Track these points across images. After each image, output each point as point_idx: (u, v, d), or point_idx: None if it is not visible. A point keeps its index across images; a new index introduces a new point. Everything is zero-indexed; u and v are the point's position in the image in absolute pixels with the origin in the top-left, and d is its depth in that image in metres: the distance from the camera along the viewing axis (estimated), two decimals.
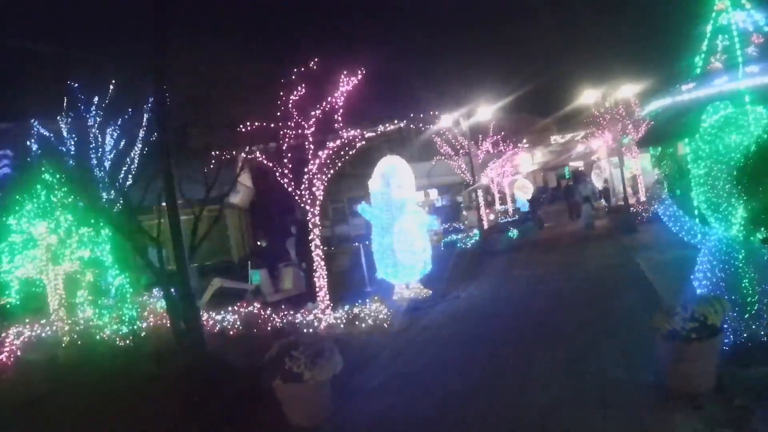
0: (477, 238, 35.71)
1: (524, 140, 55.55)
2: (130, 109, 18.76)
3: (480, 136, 42.98)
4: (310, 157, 17.35)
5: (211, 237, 37.83)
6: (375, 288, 21.34)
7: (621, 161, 33.87)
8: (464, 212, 47.86)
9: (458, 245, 35.31)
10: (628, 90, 36.59)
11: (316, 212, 17.80)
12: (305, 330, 16.74)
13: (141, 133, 19.15)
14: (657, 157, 43.77)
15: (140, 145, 19.25)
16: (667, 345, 9.27)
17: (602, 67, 49.07)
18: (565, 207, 48.31)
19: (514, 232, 38.45)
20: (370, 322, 16.59)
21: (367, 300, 17.67)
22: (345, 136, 17.24)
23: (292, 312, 18.04)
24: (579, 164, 75.90)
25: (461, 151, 40.17)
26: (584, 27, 64.47)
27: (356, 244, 29.57)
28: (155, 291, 21.85)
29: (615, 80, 36.03)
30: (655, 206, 11.87)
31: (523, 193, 59.53)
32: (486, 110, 38.69)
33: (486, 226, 38.96)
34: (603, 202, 46.65)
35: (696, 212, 11.76)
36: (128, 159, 19.64)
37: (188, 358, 12.85)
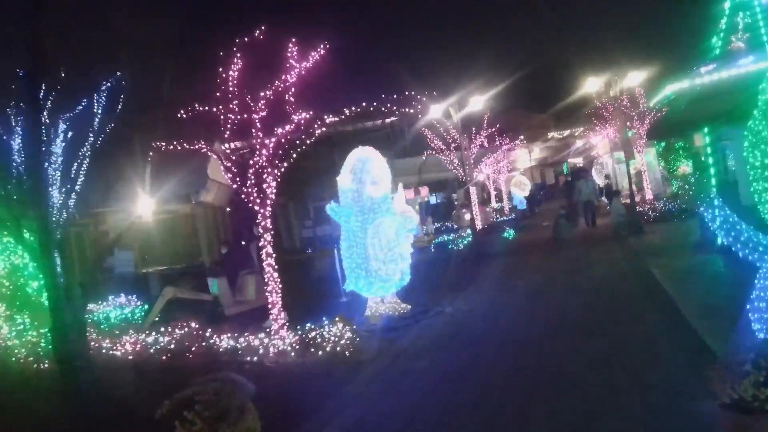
0: (470, 239, 32.94)
1: (521, 136, 52.92)
2: None
3: (473, 129, 39.82)
4: (257, 146, 14.27)
5: (178, 239, 35.59)
6: (351, 298, 18.73)
7: (628, 155, 30.79)
8: (455, 211, 44.78)
9: (450, 247, 32.84)
10: (634, 78, 33.44)
11: (268, 213, 14.71)
12: (249, 357, 13.82)
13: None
14: (663, 152, 41.28)
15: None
16: (731, 418, 6.15)
17: (605, 53, 45.98)
18: (563, 204, 44.74)
19: (510, 233, 35.79)
20: (329, 348, 13.40)
21: (334, 319, 14.64)
22: (297, 120, 14.09)
23: (242, 333, 15.15)
24: (578, 160, 73.99)
25: (453, 145, 37.11)
26: (585, 8, 61.07)
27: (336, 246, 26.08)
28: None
29: (619, 67, 32.93)
30: (702, 210, 8.46)
31: (520, 190, 57.52)
32: (479, 100, 35.64)
33: (480, 226, 35.90)
34: (604, 199, 43.60)
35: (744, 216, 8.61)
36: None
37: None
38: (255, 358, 13.69)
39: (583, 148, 70.31)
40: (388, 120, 50.13)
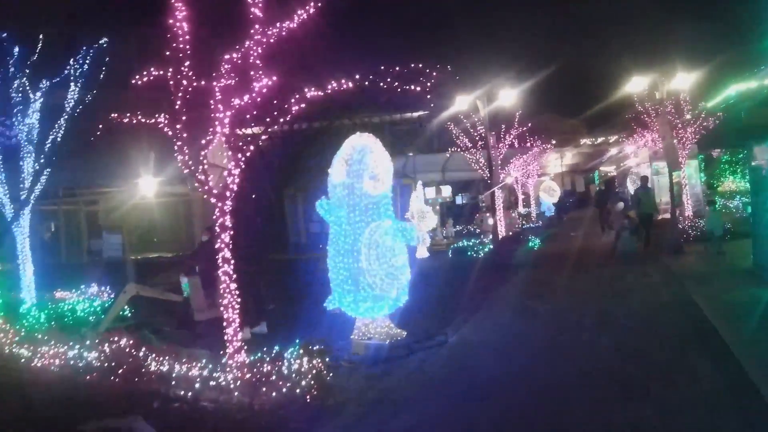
0: (490, 246, 29.97)
1: (552, 140, 49.98)
2: None
3: (503, 126, 36.56)
4: (215, 118, 11.26)
5: (173, 225, 33.13)
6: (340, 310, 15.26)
7: (674, 165, 27.54)
8: (479, 214, 41.73)
9: (468, 253, 29.96)
10: (682, 80, 30.18)
11: (228, 207, 11.64)
12: (183, 391, 10.76)
13: None
14: (704, 165, 38.21)
15: None
16: None
17: (652, 51, 42.68)
18: (593, 213, 42.64)
19: (535, 242, 32.72)
20: (287, 388, 10.28)
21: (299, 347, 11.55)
22: (259, 88, 11.01)
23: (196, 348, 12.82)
24: (610, 169, 71.11)
25: (480, 143, 33.92)
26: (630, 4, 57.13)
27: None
28: None
29: (667, 67, 29.73)
30: None
31: (549, 195, 54.86)
32: (509, 94, 32.25)
33: (503, 233, 32.69)
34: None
35: None
36: None
37: None
38: (190, 393, 10.59)
39: (617, 156, 67.37)
40: (416, 114, 47.39)
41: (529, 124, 39.59)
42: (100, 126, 16.14)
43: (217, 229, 11.71)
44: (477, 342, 14.41)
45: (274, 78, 10.86)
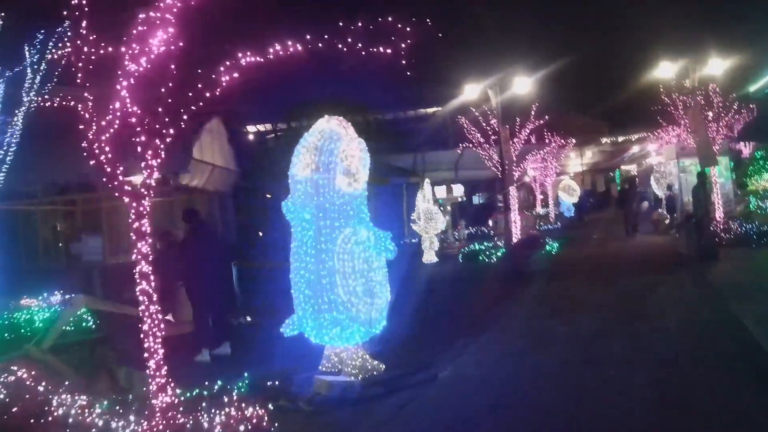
0: (504, 251, 27.50)
1: (571, 138, 47.55)
2: None
3: (518, 120, 33.68)
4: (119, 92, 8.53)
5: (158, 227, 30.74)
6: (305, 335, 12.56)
7: (709, 161, 24.74)
8: (494, 215, 39.09)
9: (480, 258, 27.96)
10: (715, 66, 27.43)
11: (145, 209, 8.93)
12: None
13: None
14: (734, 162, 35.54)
15: None
16: None
17: (680, 34, 39.72)
18: (616, 214, 41.22)
19: (554, 246, 29.98)
20: None
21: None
22: (155, 48, 8.33)
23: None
24: (632, 167, 68.84)
25: (492, 137, 31.15)
26: None
27: None
28: None
29: (698, 51, 27.03)
30: None
31: (569, 195, 52.30)
32: (524, 82, 29.37)
33: (519, 235, 29.87)
34: (664, 212, 37.70)
35: None
36: None
37: None
38: None
39: (639, 154, 64.95)
40: (430, 110, 45.06)
41: (546, 117, 36.65)
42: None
43: (133, 235, 8.97)
44: (476, 378, 11.40)
45: (180, 43, 8.17)
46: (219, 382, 9.82)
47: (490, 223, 40.21)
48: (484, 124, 31.22)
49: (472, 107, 31.07)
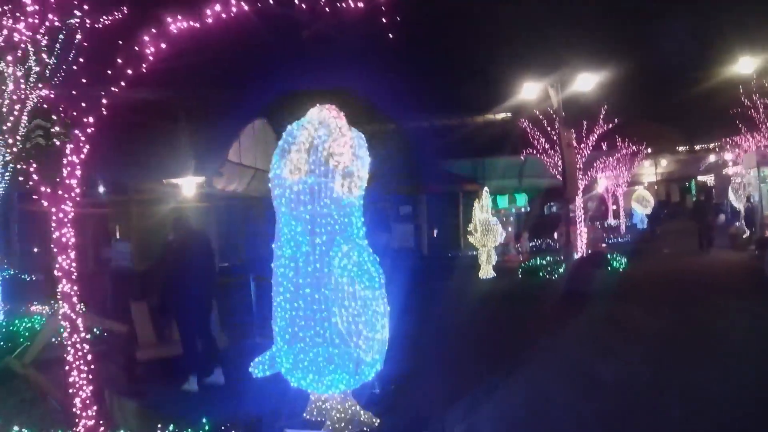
0: (564, 268, 24.99)
1: (644, 146, 45.19)
2: None
3: (584, 123, 31.14)
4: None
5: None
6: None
7: None
8: (560, 227, 36.64)
9: (540, 274, 25.70)
10: None
11: (66, 217, 7.12)
12: None
13: None
14: None
15: None
16: None
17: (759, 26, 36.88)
18: (690, 227, 37.21)
19: (621, 261, 27.08)
20: None
21: None
22: None
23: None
24: (708, 178, 65.99)
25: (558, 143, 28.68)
26: None
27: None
28: None
29: None
30: None
31: (642, 206, 50.28)
32: (588, 79, 26.79)
33: (584, 250, 27.41)
34: (742, 225, 34.92)
35: None
36: None
37: None
38: None
39: (715, 163, 62.04)
40: (499, 116, 42.98)
41: (616, 120, 34.01)
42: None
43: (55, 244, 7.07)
44: None
45: None
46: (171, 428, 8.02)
47: (556, 235, 37.81)
48: (548, 128, 28.77)
49: (533, 109, 28.63)
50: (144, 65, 6.67)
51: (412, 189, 38.37)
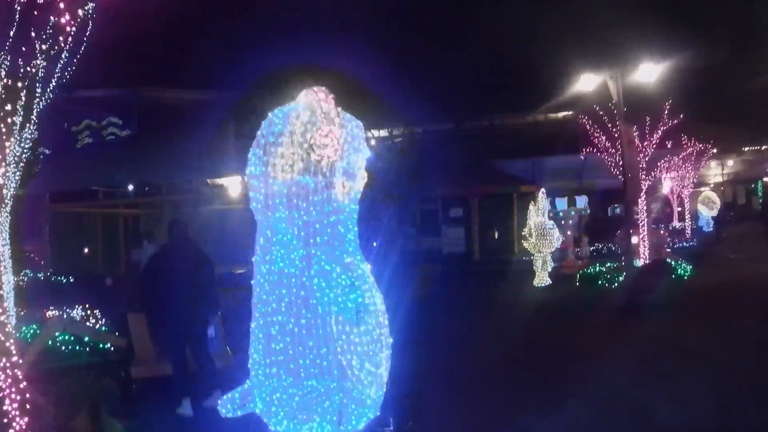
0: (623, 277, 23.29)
1: (710, 147, 43.37)
2: None
3: (647, 120, 29.16)
4: None
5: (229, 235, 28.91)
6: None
7: None
8: (620, 231, 34.88)
9: (599, 283, 24.00)
10: None
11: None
12: None
13: None
14: None
15: None
16: None
17: None
18: (757, 230, 36.23)
19: (686, 269, 25.32)
20: None
21: None
22: None
23: None
24: None
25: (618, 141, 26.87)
26: None
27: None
28: None
29: None
30: None
31: (708, 209, 48.98)
32: (651, 69, 24.84)
33: (645, 256, 25.57)
34: None
35: None
36: None
37: None
38: None
39: None
40: (560, 114, 41.33)
41: (681, 116, 31.98)
42: None
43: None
44: None
45: None
46: None
47: (617, 239, 36.00)
48: (609, 125, 26.94)
49: (592, 104, 26.82)
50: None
51: (463, 190, 36.98)
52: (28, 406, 6.76)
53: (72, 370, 12.63)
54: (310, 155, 6.67)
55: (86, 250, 31.66)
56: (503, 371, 12.36)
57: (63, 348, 13.69)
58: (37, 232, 29.81)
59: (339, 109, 7.02)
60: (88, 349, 13.75)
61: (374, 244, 20.23)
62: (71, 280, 26.88)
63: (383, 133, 49.25)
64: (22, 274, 26.99)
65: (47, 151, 28.74)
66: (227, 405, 7.23)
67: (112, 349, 13.38)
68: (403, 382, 8.57)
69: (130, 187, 28.76)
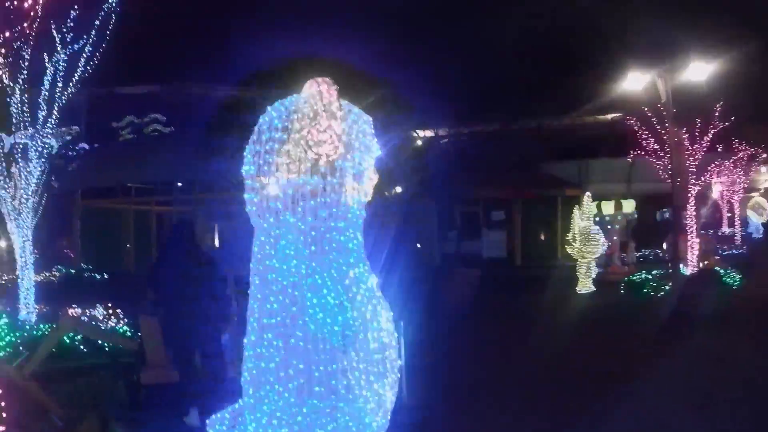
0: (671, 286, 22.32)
1: (763, 148, 42.70)
2: None
3: (697, 122, 28.17)
4: None
5: None
6: None
7: None
8: (669, 237, 33.94)
9: (644, 291, 23.07)
10: None
11: None
12: None
13: None
14: None
15: None
16: None
17: None
18: None
19: (735, 278, 24.47)
20: None
21: None
22: None
23: None
24: None
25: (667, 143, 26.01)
26: None
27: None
28: None
29: None
30: None
31: (758, 215, 48.48)
32: (702, 68, 23.93)
33: (693, 263, 24.65)
34: None
35: None
36: None
37: None
38: None
39: None
40: (609, 116, 40.50)
41: (732, 118, 30.92)
42: None
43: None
44: None
45: None
46: None
47: (665, 245, 35.09)
48: (657, 126, 26.07)
49: (640, 104, 25.98)
50: None
51: (506, 192, 36.33)
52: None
53: (81, 371, 12.60)
54: (307, 153, 5.98)
55: (128, 246, 31.68)
56: (534, 390, 11.54)
57: (74, 348, 13.59)
58: (69, 228, 29.84)
59: (345, 102, 6.33)
60: (98, 350, 13.52)
61: (418, 245, 19.44)
62: (105, 277, 26.72)
63: (428, 133, 49.08)
64: (54, 269, 27.06)
65: (86, 147, 28.62)
66: (215, 425, 6.81)
67: (123, 350, 12.98)
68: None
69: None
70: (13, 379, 9.93)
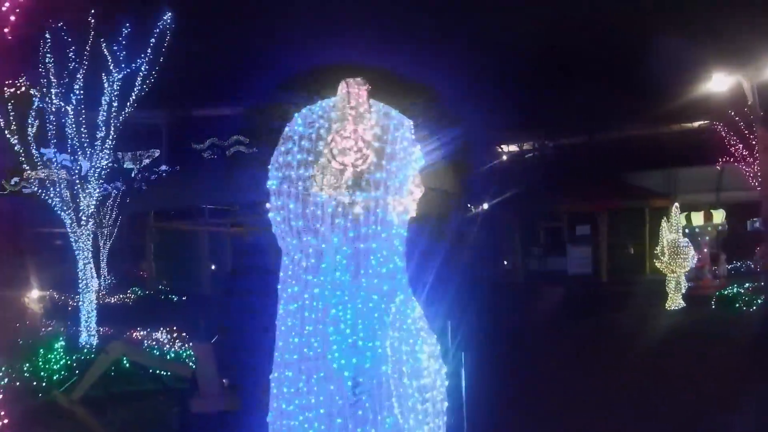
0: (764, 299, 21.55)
1: None
2: None
3: None
4: None
5: None
6: None
7: None
8: (760, 248, 32.42)
9: (737, 306, 22.31)
10: None
11: None
12: None
13: None
14: None
15: None
16: None
17: None
18: None
19: None
20: None
21: None
22: None
23: None
24: None
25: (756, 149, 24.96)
26: None
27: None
28: None
29: None
30: None
31: None
32: None
33: None
34: None
35: None
36: None
37: None
38: None
39: None
40: (696, 123, 39.19)
41: None
42: None
43: None
44: None
45: None
46: None
47: (757, 257, 33.53)
48: (746, 131, 24.94)
49: (727, 108, 24.85)
50: None
51: (591, 205, 35.20)
52: None
53: (135, 396, 12.76)
54: (330, 163, 5.28)
55: (213, 267, 31.60)
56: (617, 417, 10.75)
57: (133, 373, 13.58)
58: (143, 250, 29.92)
59: (380, 105, 5.59)
60: (155, 375, 13.51)
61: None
62: (182, 299, 26.63)
63: (512, 147, 48.24)
64: (129, 291, 27.10)
65: (166, 169, 28.62)
66: None
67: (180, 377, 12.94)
68: None
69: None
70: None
